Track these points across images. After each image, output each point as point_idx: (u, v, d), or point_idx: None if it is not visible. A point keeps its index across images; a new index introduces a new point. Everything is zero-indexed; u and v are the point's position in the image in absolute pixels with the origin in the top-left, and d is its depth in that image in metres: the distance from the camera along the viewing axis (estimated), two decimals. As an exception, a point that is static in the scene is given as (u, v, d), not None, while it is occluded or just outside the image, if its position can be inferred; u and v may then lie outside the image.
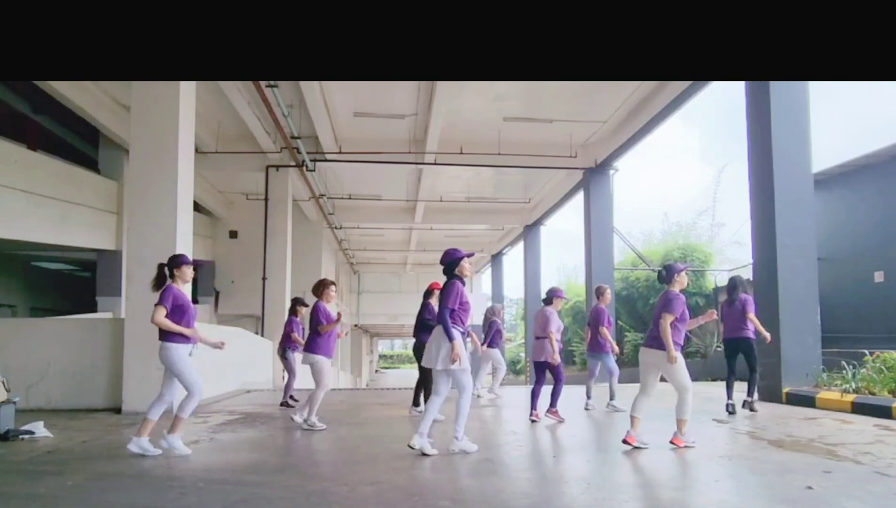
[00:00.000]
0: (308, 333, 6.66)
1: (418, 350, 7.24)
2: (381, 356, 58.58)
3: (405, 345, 76.63)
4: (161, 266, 5.15)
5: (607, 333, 7.69)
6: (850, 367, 7.88)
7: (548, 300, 7.33)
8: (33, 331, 8.51)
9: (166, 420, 5.20)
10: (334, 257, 27.73)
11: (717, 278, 18.52)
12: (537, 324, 7.16)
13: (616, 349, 7.79)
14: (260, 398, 9.87)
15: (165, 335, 4.95)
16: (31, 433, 5.72)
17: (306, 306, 8.92)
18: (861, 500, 3.51)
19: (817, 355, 8.22)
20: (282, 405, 8.55)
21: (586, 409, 7.78)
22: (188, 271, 5.18)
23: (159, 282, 5.10)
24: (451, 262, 5.19)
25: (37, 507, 3.54)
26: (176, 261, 5.16)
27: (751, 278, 9.60)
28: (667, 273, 5.38)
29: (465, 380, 4.97)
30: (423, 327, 7.18)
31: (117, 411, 7.48)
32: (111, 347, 7.89)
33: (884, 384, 7.33)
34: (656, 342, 5.16)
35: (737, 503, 3.61)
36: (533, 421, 6.81)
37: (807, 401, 7.57)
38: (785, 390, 7.96)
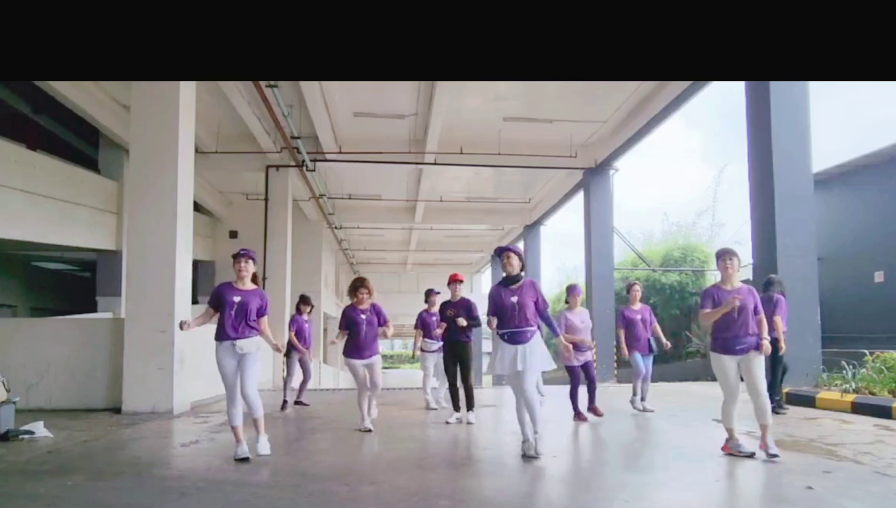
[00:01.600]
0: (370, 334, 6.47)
1: (452, 352, 6.91)
2: (381, 356, 58.63)
3: (405, 345, 76.49)
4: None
5: (620, 335, 7.43)
6: (850, 367, 7.88)
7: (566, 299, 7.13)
8: (33, 331, 8.50)
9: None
10: (334, 256, 27.73)
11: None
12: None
13: (625, 352, 7.61)
14: (262, 398, 9.84)
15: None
16: (31, 433, 5.71)
17: (312, 305, 8.67)
18: (861, 500, 3.51)
19: (817, 355, 8.22)
20: (287, 403, 8.40)
21: (643, 410, 7.46)
22: (236, 266, 4.89)
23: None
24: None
25: (37, 507, 3.54)
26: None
27: (751, 278, 9.60)
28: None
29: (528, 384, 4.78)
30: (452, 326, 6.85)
31: (117, 411, 7.48)
32: (111, 347, 7.89)
33: (884, 384, 7.33)
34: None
35: (737, 503, 3.61)
36: (580, 421, 6.77)
37: (807, 401, 7.57)
38: (785, 390, 7.95)
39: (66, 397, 7.84)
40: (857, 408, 6.91)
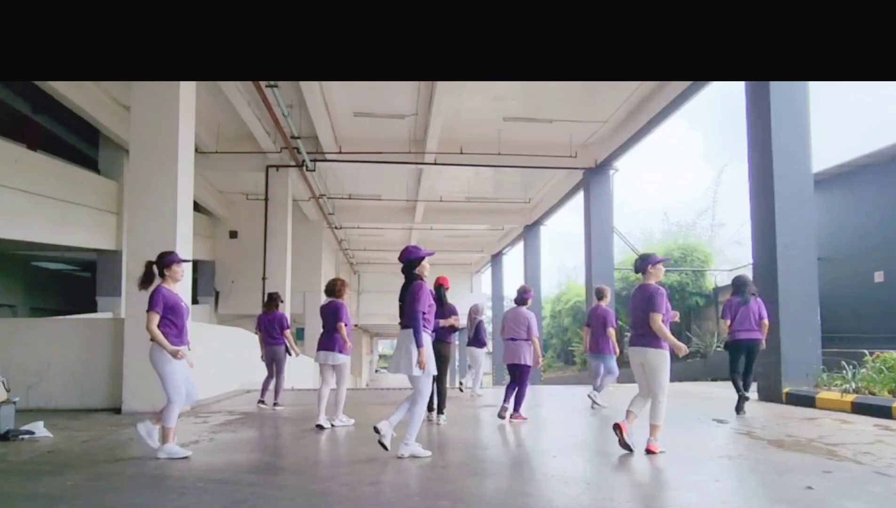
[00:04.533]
0: (323, 333, 6.52)
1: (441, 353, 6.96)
2: (381, 356, 58.62)
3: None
4: (149, 264, 4.87)
5: (614, 334, 7.73)
6: (850, 367, 7.88)
7: (522, 301, 7.09)
8: (33, 331, 8.50)
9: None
10: (334, 256, 27.72)
11: (717, 278, 18.53)
12: (508, 326, 6.97)
13: (618, 350, 7.81)
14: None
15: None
16: (31, 433, 5.72)
17: (282, 302, 8.69)
18: (861, 500, 3.52)
19: (817, 355, 8.22)
20: (266, 403, 8.33)
21: (593, 408, 7.81)
22: (178, 270, 4.91)
23: (147, 281, 4.80)
24: (410, 261, 4.93)
25: (37, 507, 3.54)
26: (164, 259, 4.87)
27: (750, 278, 9.63)
28: (641, 264, 5.13)
29: (425, 386, 4.79)
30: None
31: (117, 411, 7.48)
32: (111, 347, 7.89)
33: (884, 384, 7.34)
34: (641, 341, 4.98)
35: (737, 503, 3.61)
36: (501, 417, 6.81)
37: (807, 401, 7.57)
38: (785, 390, 7.96)
39: (66, 397, 7.84)
40: (857, 408, 6.91)
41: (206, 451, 5.28)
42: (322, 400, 6.45)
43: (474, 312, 9.63)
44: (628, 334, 7.92)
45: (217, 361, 10.01)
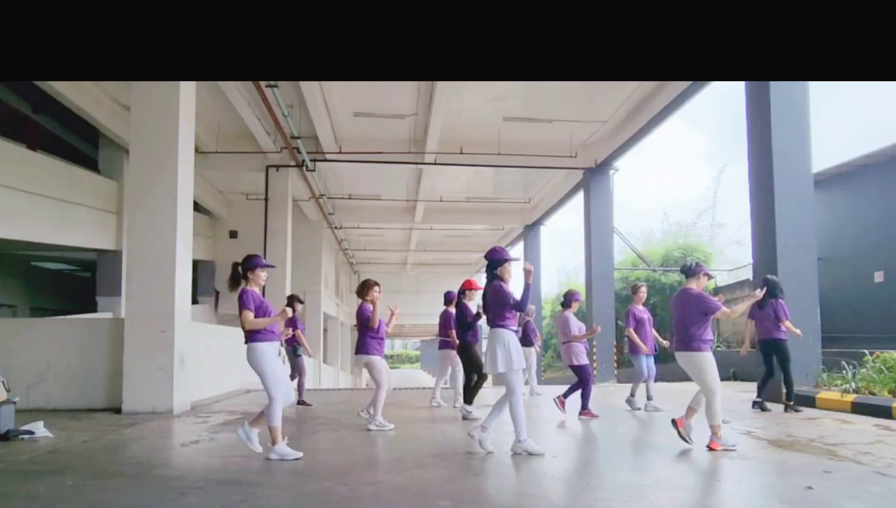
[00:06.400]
0: (358, 335, 6.74)
1: (464, 352, 7.36)
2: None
3: (405, 345, 76.56)
4: (235, 265, 4.96)
5: (632, 334, 7.65)
6: (850, 367, 7.88)
7: (566, 304, 7.40)
8: (33, 331, 8.50)
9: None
10: (334, 256, 27.72)
11: (717, 278, 18.52)
12: (558, 329, 7.31)
13: (645, 349, 7.64)
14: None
15: (250, 336, 4.79)
16: (31, 433, 5.71)
17: (302, 303, 8.96)
18: (861, 500, 3.51)
19: (817, 355, 8.22)
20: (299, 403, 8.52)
21: (647, 409, 7.77)
22: (262, 275, 4.96)
23: (234, 282, 4.91)
24: (496, 261, 5.17)
25: (37, 507, 3.54)
26: (248, 263, 4.95)
27: (750, 278, 9.61)
28: (696, 267, 5.26)
29: (516, 381, 4.93)
30: (465, 328, 7.33)
31: (117, 411, 7.48)
32: (111, 347, 7.88)
33: (884, 384, 7.34)
34: (682, 345, 5.09)
35: (737, 503, 3.61)
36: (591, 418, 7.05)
37: (807, 401, 7.57)
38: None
39: (66, 397, 7.84)
40: (857, 408, 6.91)
41: (206, 451, 5.28)
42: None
43: (524, 312, 9.68)
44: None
45: (217, 361, 10.01)
